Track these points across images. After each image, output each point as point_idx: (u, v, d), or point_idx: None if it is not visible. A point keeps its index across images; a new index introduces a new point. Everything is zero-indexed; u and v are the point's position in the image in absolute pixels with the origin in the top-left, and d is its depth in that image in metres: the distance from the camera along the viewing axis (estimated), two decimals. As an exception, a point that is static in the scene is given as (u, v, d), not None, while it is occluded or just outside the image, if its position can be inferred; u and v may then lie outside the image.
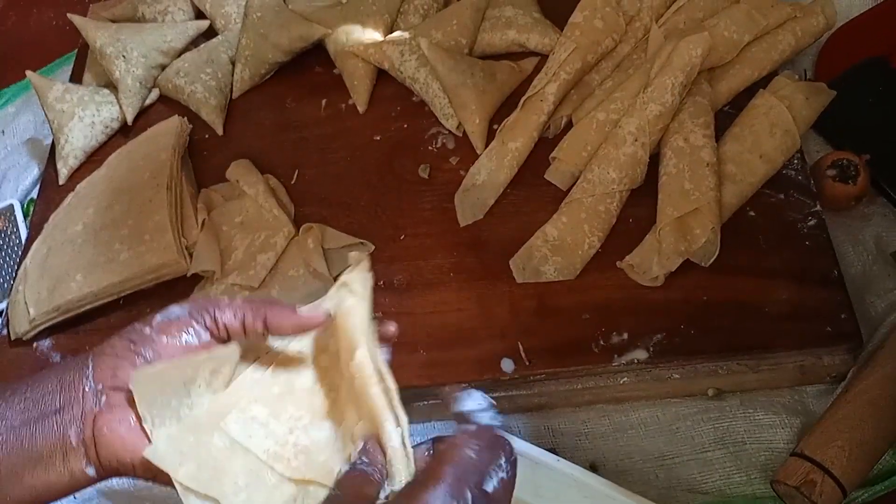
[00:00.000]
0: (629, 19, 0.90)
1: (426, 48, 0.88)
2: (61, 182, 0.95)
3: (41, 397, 0.48)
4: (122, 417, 0.47)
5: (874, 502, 0.67)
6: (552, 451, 0.69)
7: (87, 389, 0.48)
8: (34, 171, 1.02)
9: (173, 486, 0.47)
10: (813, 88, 0.82)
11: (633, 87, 0.84)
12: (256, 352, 0.52)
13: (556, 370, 0.73)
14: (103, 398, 0.47)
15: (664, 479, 0.71)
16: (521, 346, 0.74)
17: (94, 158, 0.96)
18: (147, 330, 0.49)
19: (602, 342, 0.73)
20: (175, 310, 0.50)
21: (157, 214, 0.84)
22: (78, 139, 0.95)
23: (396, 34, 0.95)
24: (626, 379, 0.73)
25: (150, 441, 0.47)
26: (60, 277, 0.83)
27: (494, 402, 0.50)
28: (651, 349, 0.72)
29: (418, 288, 0.80)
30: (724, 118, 0.83)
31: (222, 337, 0.50)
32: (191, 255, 0.83)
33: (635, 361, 0.72)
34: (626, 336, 0.73)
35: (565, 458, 0.67)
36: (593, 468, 0.72)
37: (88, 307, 0.82)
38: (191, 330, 0.49)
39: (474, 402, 0.49)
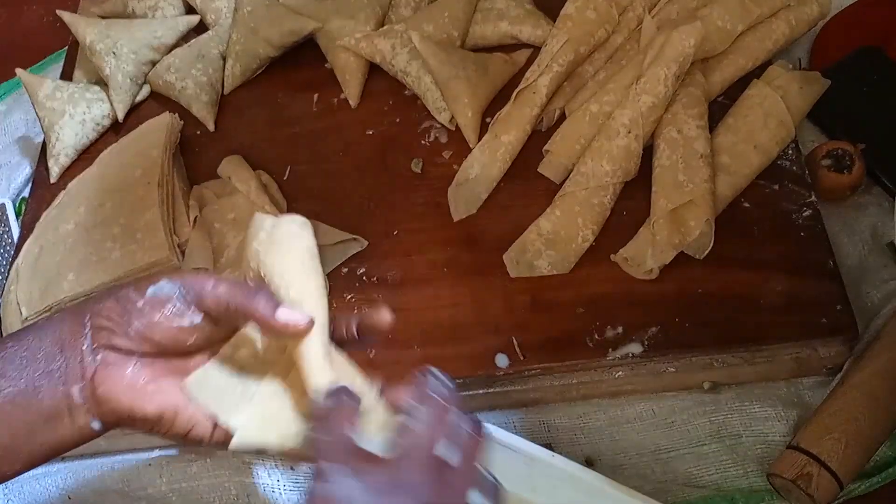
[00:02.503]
0: (622, 10, 0.89)
1: (417, 41, 0.88)
2: (53, 180, 0.94)
3: (42, 355, 0.49)
4: (116, 375, 0.49)
5: (871, 494, 0.67)
6: (548, 446, 0.68)
7: (84, 348, 0.49)
8: (26, 170, 1.01)
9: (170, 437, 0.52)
10: (807, 78, 0.81)
11: (626, 78, 0.83)
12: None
13: (551, 365, 0.73)
14: (99, 356, 0.49)
15: (660, 473, 0.70)
16: (515, 341, 0.74)
17: (85, 156, 0.95)
18: (140, 302, 0.50)
19: (597, 336, 0.73)
20: (165, 286, 0.50)
21: (149, 212, 0.84)
22: (69, 137, 0.94)
23: (388, 27, 0.94)
24: (621, 373, 0.73)
25: (145, 394, 0.50)
26: (52, 277, 0.82)
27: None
28: (646, 343, 0.72)
29: (412, 283, 0.79)
30: (718, 109, 0.83)
31: (208, 316, 0.51)
32: (183, 252, 0.83)
33: (630, 355, 0.71)
34: (620, 330, 0.73)
35: (561, 453, 0.66)
36: (589, 463, 0.71)
37: (81, 306, 0.81)
38: (181, 311, 0.50)
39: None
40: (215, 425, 0.51)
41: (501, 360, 0.73)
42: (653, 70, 0.79)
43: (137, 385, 0.50)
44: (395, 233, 0.83)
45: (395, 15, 0.97)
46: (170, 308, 0.50)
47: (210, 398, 0.51)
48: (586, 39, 0.87)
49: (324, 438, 0.46)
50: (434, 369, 0.49)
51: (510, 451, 0.67)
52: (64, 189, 0.91)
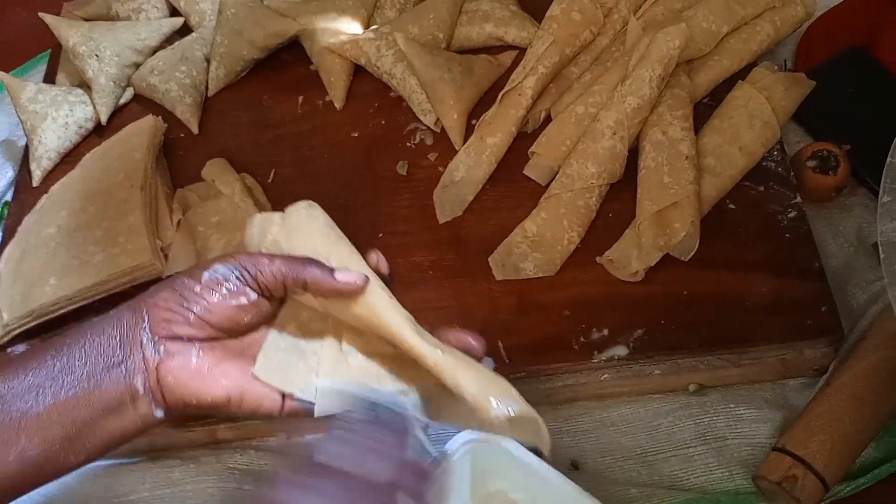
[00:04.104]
0: (607, 11, 0.89)
1: (402, 43, 0.87)
2: (35, 184, 0.93)
3: (102, 350, 0.51)
4: (182, 364, 0.51)
5: (856, 496, 0.67)
6: (533, 449, 0.68)
7: (144, 341, 0.51)
8: (9, 173, 1.00)
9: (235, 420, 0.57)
10: (792, 79, 0.81)
11: (612, 80, 0.83)
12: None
13: (537, 368, 0.72)
14: (161, 348, 0.51)
15: (646, 476, 0.70)
16: (501, 345, 0.73)
17: (68, 159, 0.94)
18: (197, 287, 0.52)
19: (582, 339, 0.73)
20: (220, 268, 0.53)
21: (132, 216, 0.83)
22: (51, 140, 0.93)
23: (373, 29, 0.94)
24: (606, 375, 0.73)
25: (211, 380, 0.52)
26: (34, 281, 0.82)
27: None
28: (631, 345, 0.71)
29: (398, 286, 0.77)
30: (703, 110, 0.83)
31: (264, 293, 0.53)
32: (166, 256, 0.82)
33: (616, 358, 0.71)
34: (606, 332, 0.72)
35: (547, 456, 0.66)
36: (574, 466, 0.71)
37: (63, 311, 0.80)
38: (238, 288, 0.52)
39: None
40: (283, 398, 0.54)
41: (487, 364, 0.72)
42: (638, 72, 0.79)
43: (203, 372, 0.52)
44: (380, 235, 0.83)
45: (380, 17, 0.96)
46: (226, 289, 0.52)
47: (278, 377, 0.53)
48: (571, 41, 0.87)
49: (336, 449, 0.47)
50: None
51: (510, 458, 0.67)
52: (46, 193, 0.90)
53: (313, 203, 0.58)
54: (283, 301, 0.56)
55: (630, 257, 0.75)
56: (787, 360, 0.71)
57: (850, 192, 0.80)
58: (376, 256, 0.57)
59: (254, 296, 0.53)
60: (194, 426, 0.76)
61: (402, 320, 0.52)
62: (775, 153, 0.79)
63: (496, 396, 0.50)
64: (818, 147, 0.79)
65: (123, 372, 0.50)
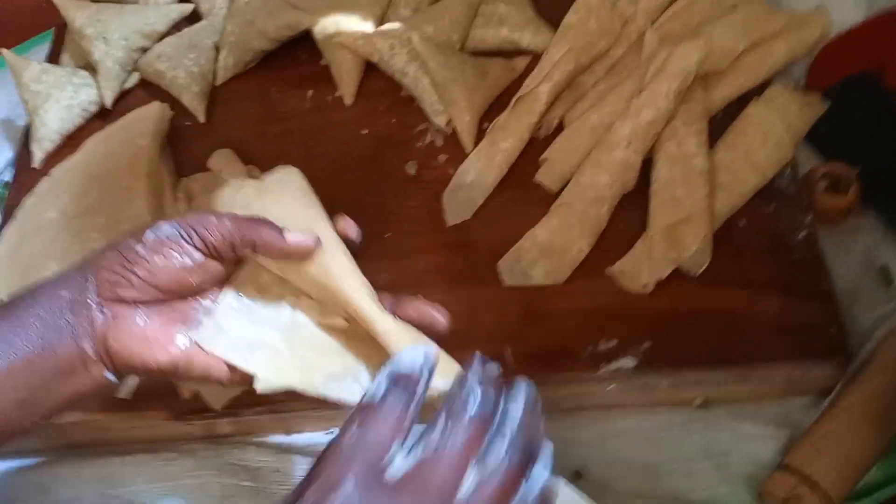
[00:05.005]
0: (623, 22, 0.89)
1: (417, 42, 0.87)
2: (35, 165, 0.92)
3: (53, 312, 0.49)
4: (126, 328, 0.50)
5: (859, 517, 0.67)
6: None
7: (91, 304, 0.49)
8: (8, 153, 0.98)
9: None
10: (806, 99, 0.82)
11: (626, 90, 0.83)
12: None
13: (544, 376, 0.72)
14: (108, 312, 0.49)
15: (649, 489, 0.70)
16: (508, 352, 0.73)
17: (70, 142, 0.93)
18: (140, 249, 0.50)
19: (590, 349, 0.72)
20: (165, 228, 0.50)
21: (135, 203, 0.82)
22: (54, 122, 0.92)
23: (387, 26, 0.93)
24: (613, 386, 0.72)
25: (157, 344, 0.50)
26: (33, 265, 0.80)
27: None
28: (639, 357, 0.71)
29: (403, 288, 0.76)
30: (717, 126, 0.82)
31: (212, 254, 0.51)
32: (170, 246, 0.81)
33: (623, 369, 0.71)
34: (614, 343, 0.72)
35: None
36: (578, 475, 0.71)
37: (61, 297, 0.79)
38: (183, 250, 0.50)
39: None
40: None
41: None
42: (655, 84, 0.79)
43: (147, 336, 0.50)
44: (386, 235, 0.82)
45: (393, 14, 0.96)
46: (170, 249, 0.50)
47: (223, 346, 0.51)
48: (587, 49, 0.86)
49: (349, 444, 0.43)
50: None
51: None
52: (46, 175, 0.89)
53: (293, 168, 0.58)
54: (239, 262, 0.55)
55: (640, 269, 0.75)
56: (792, 379, 0.71)
57: (858, 214, 0.80)
58: (344, 222, 0.56)
59: (199, 257, 0.51)
60: (193, 419, 0.75)
61: (358, 285, 0.51)
62: (787, 172, 0.79)
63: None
64: (829, 168, 0.80)
65: (73, 335, 0.49)
